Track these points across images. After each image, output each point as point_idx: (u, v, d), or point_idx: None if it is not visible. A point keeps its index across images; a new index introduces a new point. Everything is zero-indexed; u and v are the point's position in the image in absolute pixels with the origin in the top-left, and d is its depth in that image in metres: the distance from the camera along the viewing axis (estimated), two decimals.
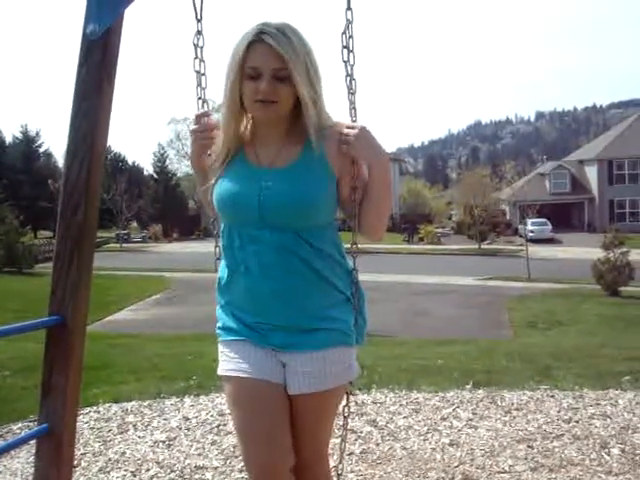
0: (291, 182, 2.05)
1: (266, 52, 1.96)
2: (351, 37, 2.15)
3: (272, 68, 1.96)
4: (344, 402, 2.37)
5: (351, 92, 2.18)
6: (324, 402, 2.20)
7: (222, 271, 2.20)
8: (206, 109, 2.26)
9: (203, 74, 2.23)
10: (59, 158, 61.40)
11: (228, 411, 4.75)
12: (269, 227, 2.06)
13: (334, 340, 2.14)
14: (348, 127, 2.09)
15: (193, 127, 2.21)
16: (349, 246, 2.23)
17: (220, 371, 2.20)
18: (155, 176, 63.69)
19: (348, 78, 2.16)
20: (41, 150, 64.24)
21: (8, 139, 63.84)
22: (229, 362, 2.17)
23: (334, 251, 2.16)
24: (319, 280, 2.11)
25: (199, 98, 2.24)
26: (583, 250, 33.82)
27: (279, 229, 2.06)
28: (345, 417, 2.47)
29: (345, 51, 2.14)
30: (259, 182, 2.07)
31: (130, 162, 73.10)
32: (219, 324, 2.24)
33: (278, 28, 1.97)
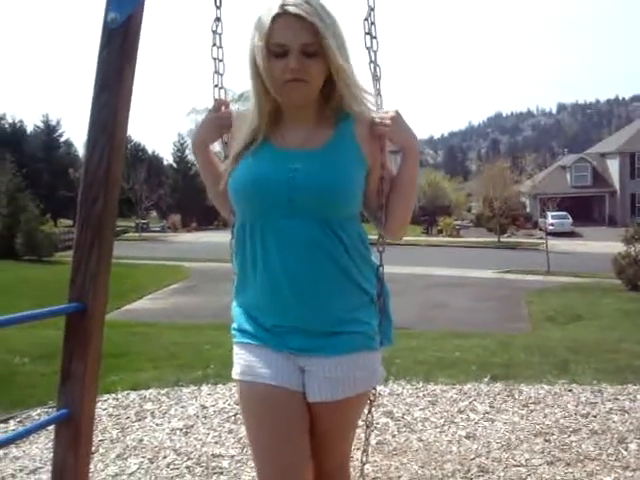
0: (323, 164, 1.92)
1: (292, 25, 1.83)
2: (373, 24, 2.12)
3: (301, 43, 1.83)
4: (367, 410, 2.26)
5: (376, 78, 2.14)
6: (346, 410, 2.06)
7: (237, 274, 2.07)
8: (224, 97, 2.22)
9: (221, 61, 2.19)
10: (79, 147, 61.95)
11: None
12: (298, 215, 1.90)
13: (358, 344, 1.99)
14: (382, 112, 2.02)
15: (214, 114, 2.11)
16: (373, 237, 2.12)
17: (234, 375, 2.06)
18: (175, 166, 63.99)
19: (372, 64, 2.13)
20: (62, 139, 64.80)
21: (29, 128, 64.47)
22: (244, 366, 2.03)
23: (361, 246, 2.01)
24: (345, 279, 1.96)
25: (216, 86, 2.20)
26: (604, 244, 33.53)
27: (308, 217, 1.90)
28: (368, 426, 2.40)
29: (368, 37, 2.12)
30: (286, 164, 1.92)
31: (150, 152, 73.46)
32: (234, 324, 2.09)
33: (301, 4, 1.83)
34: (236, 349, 2.08)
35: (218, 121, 2.11)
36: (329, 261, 1.93)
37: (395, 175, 2.05)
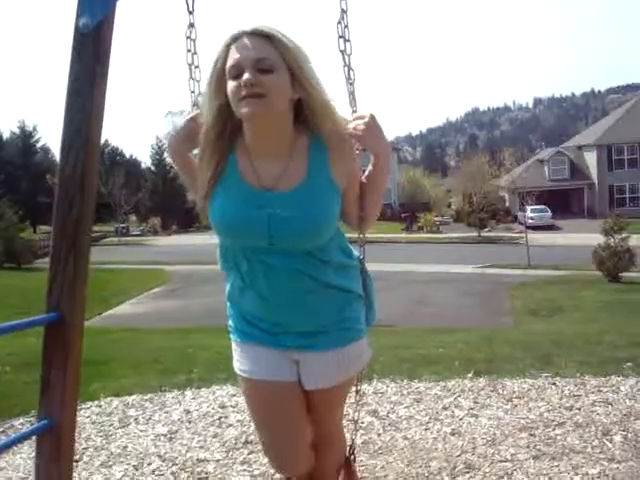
0: (301, 206, 1.96)
1: (246, 45, 1.84)
2: (347, 26, 2.11)
3: (254, 59, 1.83)
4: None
5: (350, 82, 2.14)
6: (337, 391, 2.29)
7: (230, 286, 2.19)
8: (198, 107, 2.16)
9: (196, 66, 2.19)
10: (57, 152, 61.31)
11: (229, 403, 4.75)
12: (280, 251, 2.00)
13: (347, 338, 2.19)
14: (357, 117, 2.03)
15: (189, 124, 2.09)
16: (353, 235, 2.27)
17: (235, 369, 2.27)
18: (153, 169, 63.69)
19: (346, 68, 2.13)
20: (38, 145, 64.34)
21: (5, 135, 63.99)
22: (241, 362, 2.23)
23: (342, 257, 2.16)
24: (331, 290, 2.12)
25: (192, 91, 2.20)
26: (583, 236, 33.74)
27: (289, 252, 2.01)
28: (357, 391, 2.71)
29: (341, 41, 2.11)
30: (265, 208, 1.96)
31: (128, 155, 73.12)
32: (231, 323, 2.26)
33: (256, 24, 1.87)
34: (234, 346, 2.26)
35: (194, 135, 2.06)
36: (312, 281, 2.06)
37: (365, 177, 2.11)
